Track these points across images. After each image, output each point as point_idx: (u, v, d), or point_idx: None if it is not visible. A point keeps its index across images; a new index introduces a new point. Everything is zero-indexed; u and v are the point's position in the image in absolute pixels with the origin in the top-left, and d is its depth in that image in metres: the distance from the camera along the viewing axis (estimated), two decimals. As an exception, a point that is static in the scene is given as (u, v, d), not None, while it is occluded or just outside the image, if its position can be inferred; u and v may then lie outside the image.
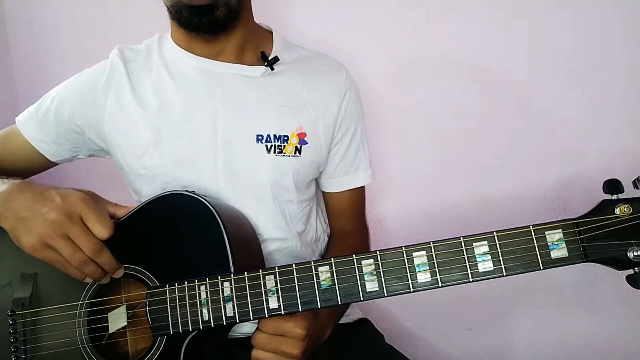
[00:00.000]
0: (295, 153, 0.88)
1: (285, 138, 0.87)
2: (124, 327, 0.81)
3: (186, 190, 0.81)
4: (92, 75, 0.90)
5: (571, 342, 1.22)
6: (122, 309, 0.81)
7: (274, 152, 0.87)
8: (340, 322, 0.94)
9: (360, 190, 1.02)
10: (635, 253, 0.62)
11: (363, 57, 1.20)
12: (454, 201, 1.24)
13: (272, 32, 0.94)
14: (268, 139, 0.87)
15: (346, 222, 1.02)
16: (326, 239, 1.03)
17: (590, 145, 1.17)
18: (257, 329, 0.76)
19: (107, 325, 0.80)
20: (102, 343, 0.79)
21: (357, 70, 1.04)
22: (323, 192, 1.01)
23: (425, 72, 1.22)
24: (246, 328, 0.89)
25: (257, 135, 0.87)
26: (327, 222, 1.04)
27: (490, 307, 1.25)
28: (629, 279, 0.64)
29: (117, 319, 0.81)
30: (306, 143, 0.89)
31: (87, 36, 1.29)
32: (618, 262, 0.63)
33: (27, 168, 0.93)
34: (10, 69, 1.31)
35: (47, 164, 0.95)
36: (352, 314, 1.00)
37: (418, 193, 1.26)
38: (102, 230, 0.72)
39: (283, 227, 0.91)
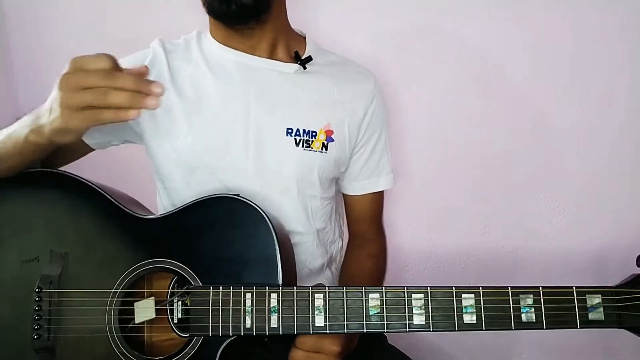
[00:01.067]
0: (322, 149, 0.91)
1: (314, 133, 0.91)
2: (151, 320, 0.80)
3: (233, 194, 0.82)
4: (133, 61, 0.91)
5: (571, 343, 1.28)
6: (151, 302, 0.80)
7: (302, 146, 0.90)
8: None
9: (381, 195, 1.05)
10: (661, 326, 0.69)
11: (362, 57, 1.20)
12: (454, 203, 1.29)
13: (305, 37, 0.98)
14: (297, 133, 0.90)
15: (366, 226, 1.05)
16: (340, 243, 1.06)
17: (591, 146, 1.22)
18: (294, 346, 0.78)
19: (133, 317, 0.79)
20: (127, 334, 0.78)
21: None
22: (345, 196, 1.04)
23: (425, 72, 1.25)
24: None
25: (287, 129, 0.89)
26: (342, 227, 1.07)
27: None
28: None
29: (145, 311, 0.80)
30: (332, 140, 0.92)
31: (87, 36, 1.28)
32: (645, 332, 0.70)
33: (60, 151, 0.90)
34: (10, 69, 1.30)
35: (81, 149, 0.94)
36: None
37: (420, 193, 1.30)
38: (101, 61, 0.67)
39: (304, 221, 0.94)
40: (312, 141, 0.90)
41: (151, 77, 0.83)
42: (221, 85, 0.89)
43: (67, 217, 0.82)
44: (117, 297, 0.78)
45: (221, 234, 0.79)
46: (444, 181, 1.29)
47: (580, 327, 0.70)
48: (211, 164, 0.88)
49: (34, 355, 0.76)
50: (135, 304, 0.80)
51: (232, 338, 0.75)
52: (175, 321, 0.78)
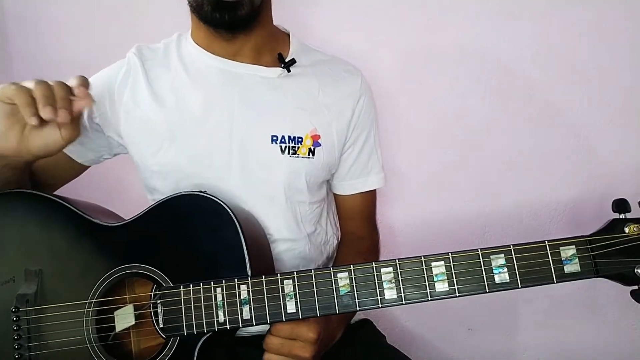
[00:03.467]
0: (308, 155, 0.89)
1: (300, 139, 0.89)
2: (132, 327, 0.80)
3: (199, 191, 0.81)
4: (108, 74, 0.91)
5: (570, 342, 1.25)
6: (130, 308, 0.80)
7: (288, 153, 0.88)
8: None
9: (372, 194, 1.03)
10: (641, 270, 0.66)
11: (364, 58, 1.18)
12: (455, 204, 1.26)
13: (289, 35, 0.95)
14: (283, 140, 0.88)
15: (357, 225, 1.03)
16: (335, 241, 1.04)
17: (593, 146, 1.19)
18: (270, 332, 0.77)
19: (114, 325, 0.79)
20: (109, 342, 0.78)
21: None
22: (335, 195, 1.02)
23: (427, 72, 1.23)
24: (252, 328, 0.89)
25: (272, 136, 0.87)
26: (337, 225, 1.05)
27: (491, 307, 1.26)
28: (633, 294, 0.67)
29: (124, 318, 0.80)
30: (319, 145, 0.90)
31: (87, 37, 1.28)
32: (625, 278, 0.67)
33: (55, 172, 0.94)
34: (10, 69, 1.30)
35: (74, 167, 0.96)
36: (355, 316, 1.01)
37: (420, 194, 1.28)
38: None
39: (294, 227, 0.92)
40: (298, 147, 0.88)
41: (127, 88, 0.89)
42: (202, 93, 0.87)
43: (38, 235, 0.83)
44: (93, 307, 0.78)
45: (187, 232, 0.79)
46: (443, 182, 1.27)
47: (557, 282, 0.67)
48: (195, 174, 0.87)
49: (17, 374, 0.77)
50: (115, 312, 0.80)
51: (208, 335, 0.75)
52: (161, 325, 0.77)
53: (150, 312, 0.78)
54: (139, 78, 0.89)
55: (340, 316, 0.85)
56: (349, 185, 0.99)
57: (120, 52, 0.93)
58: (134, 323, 0.79)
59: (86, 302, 0.78)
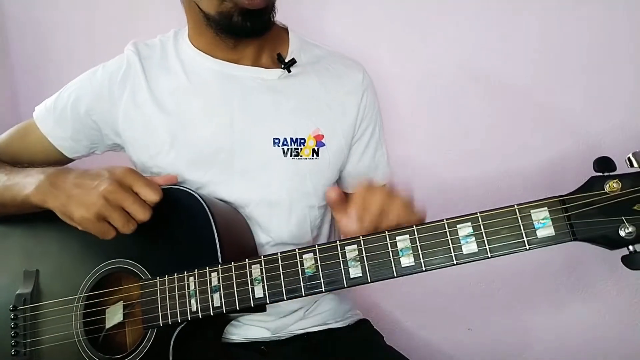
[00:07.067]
0: (312, 155, 0.87)
1: (302, 141, 0.87)
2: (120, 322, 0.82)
3: (178, 185, 0.82)
4: (108, 71, 0.90)
5: (571, 342, 1.19)
6: (119, 307, 0.82)
7: (291, 155, 0.86)
8: (339, 324, 0.94)
9: None
10: (626, 230, 0.58)
11: (363, 58, 1.18)
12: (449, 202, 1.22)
13: (287, 30, 0.93)
14: (285, 143, 0.86)
15: None
16: None
17: (592, 146, 1.14)
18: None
19: (103, 318, 0.81)
20: (98, 335, 0.80)
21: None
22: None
23: (424, 71, 1.22)
24: (249, 332, 0.90)
25: (274, 139, 0.86)
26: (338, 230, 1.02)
27: (490, 307, 1.22)
28: (624, 259, 0.60)
29: (114, 315, 0.82)
30: (324, 145, 0.88)
31: (87, 37, 1.28)
32: (609, 241, 0.59)
33: (44, 163, 0.90)
34: (10, 69, 1.31)
35: (64, 160, 0.95)
36: (353, 316, 0.98)
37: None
38: (154, 195, 0.74)
39: (296, 233, 0.89)
40: (301, 149, 0.86)
41: (127, 88, 0.89)
42: (202, 96, 0.86)
43: (35, 236, 0.88)
44: (81, 302, 0.81)
45: (164, 225, 0.80)
46: (441, 181, 1.23)
47: (530, 248, 0.61)
48: (196, 179, 0.86)
49: (13, 370, 0.80)
50: (107, 310, 0.82)
51: (183, 325, 0.74)
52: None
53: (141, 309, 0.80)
54: (138, 79, 0.88)
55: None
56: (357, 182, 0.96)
57: (120, 52, 0.93)
58: (122, 319, 0.81)
59: (75, 298, 0.81)
